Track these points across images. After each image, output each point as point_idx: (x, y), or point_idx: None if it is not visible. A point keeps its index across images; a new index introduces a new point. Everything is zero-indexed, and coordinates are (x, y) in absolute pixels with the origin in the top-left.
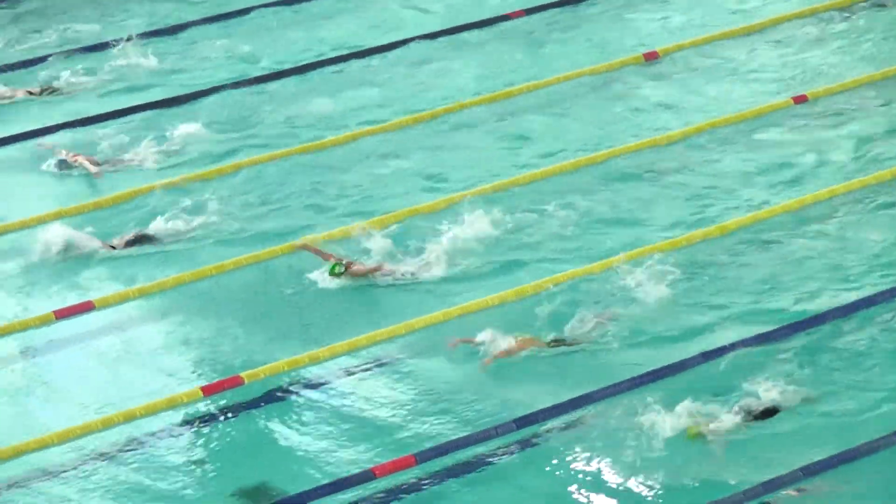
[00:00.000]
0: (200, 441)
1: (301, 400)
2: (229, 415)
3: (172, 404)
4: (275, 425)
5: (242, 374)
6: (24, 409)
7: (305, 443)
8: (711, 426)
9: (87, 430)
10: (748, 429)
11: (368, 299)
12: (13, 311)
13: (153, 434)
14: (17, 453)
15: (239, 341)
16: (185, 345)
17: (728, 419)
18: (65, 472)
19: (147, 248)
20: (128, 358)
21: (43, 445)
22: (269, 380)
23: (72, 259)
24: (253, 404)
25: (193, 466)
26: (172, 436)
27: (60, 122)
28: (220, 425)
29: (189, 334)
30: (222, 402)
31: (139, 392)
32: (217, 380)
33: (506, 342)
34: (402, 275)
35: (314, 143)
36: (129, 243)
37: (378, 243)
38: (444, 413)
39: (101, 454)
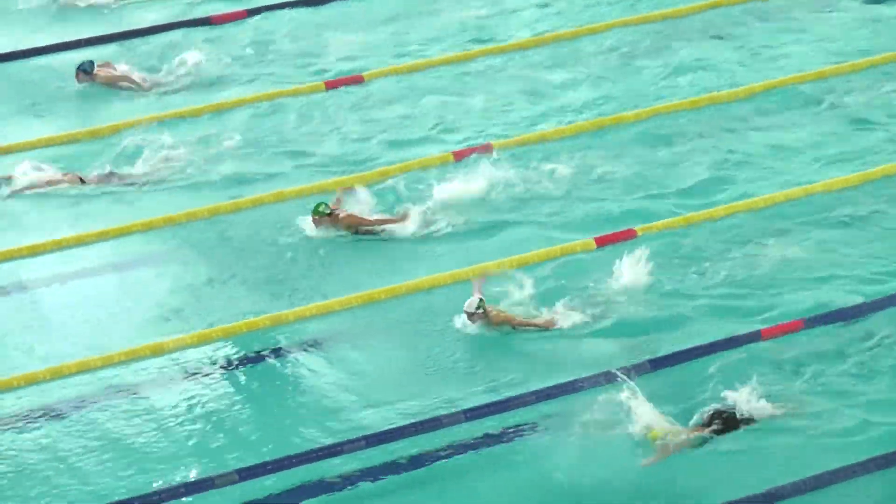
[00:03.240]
0: None
1: None
2: None
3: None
4: None
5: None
6: None
7: None
8: (674, 437)
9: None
10: (711, 441)
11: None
12: None
13: None
14: None
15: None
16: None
17: (691, 429)
18: None
19: (120, 187)
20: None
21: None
22: None
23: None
24: None
25: None
26: None
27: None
28: None
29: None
30: None
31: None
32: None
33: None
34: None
35: (311, 85)
36: (102, 179)
37: (365, 198)
38: None
39: None
